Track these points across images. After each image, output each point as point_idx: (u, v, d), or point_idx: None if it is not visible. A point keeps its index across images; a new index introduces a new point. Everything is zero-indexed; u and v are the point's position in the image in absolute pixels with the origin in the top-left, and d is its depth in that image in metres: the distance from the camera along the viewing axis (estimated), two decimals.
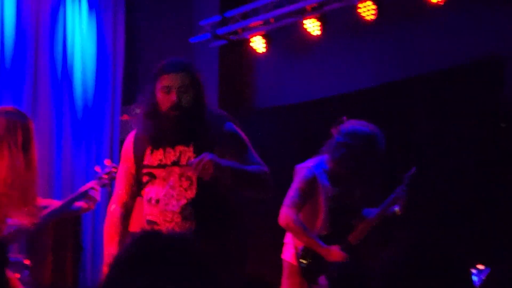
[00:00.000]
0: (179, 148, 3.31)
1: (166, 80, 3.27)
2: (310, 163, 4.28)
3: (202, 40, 7.16)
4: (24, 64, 6.78)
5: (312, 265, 4.16)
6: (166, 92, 3.27)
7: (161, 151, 3.33)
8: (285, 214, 4.15)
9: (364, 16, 5.96)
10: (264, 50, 6.94)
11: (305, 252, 4.17)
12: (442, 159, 5.16)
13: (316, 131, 6.12)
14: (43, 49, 6.93)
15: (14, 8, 6.83)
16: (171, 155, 3.31)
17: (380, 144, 4.16)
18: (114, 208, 3.44)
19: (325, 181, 4.21)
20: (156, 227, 3.26)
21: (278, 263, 4.42)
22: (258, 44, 6.94)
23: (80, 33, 7.16)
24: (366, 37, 6.17)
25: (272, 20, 6.72)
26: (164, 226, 3.26)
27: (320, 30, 6.41)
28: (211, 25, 7.07)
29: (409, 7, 5.82)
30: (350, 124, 4.23)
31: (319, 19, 6.37)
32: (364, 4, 5.91)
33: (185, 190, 3.28)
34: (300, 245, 4.19)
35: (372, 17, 5.93)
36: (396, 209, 4.30)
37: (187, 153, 3.29)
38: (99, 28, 7.25)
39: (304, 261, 4.18)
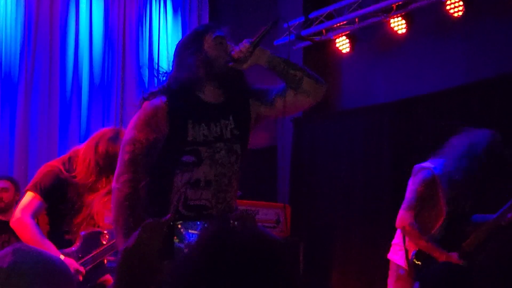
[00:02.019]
0: (221, 122, 3.00)
1: (216, 34, 3.01)
2: (430, 164, 4.12)
3: (286, 42, 7.16)
4: (113, 77, 6.96)
5: (424, 268, 4.07)
6: (219, 43, 2.99)
7: (203, 125, 2.97)
8: (402, 217, 4.06)
9: (451, 13, 5.82)
10: (348, 50, 6.88)
11: (419, 256, 4.08)
12: None
13: (405, 132, 6.05)
14: (129, 57, 7.09)
15: (102, 15, 7.03)
16: (215, 129, 2.99)
17: (502, 154, 4.01)
18: (131, 190, 2.88)
19: (445, 184, 4.10)
20: (206, 212, 2.95)
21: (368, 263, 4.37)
22: (343, 44, 6.88)
23: (165, 38, 7.29)
24: (453, 34, 6.02)
25: (356, 20, 6.65)
26: (216, 209, 2.96)
27: (406, 28, 6.30)
28: (295, 27, 7.06)
29: (498, 2, 5.65)
30: (473, 136, 4.06)
31: (404, 17, 6.27)
32: (451, 0, 5.77)
33: (233, 165, 3.02)
34: (413, 248, 4.10)
35: (460, 13, 5.78)
36: (509, 216, 4.08)
37: (228, 126, 3.03)
38: (184, 31, 7.37)
39: (417, 266, 4.08)
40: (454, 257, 3.99)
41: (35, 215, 3.88)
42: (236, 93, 3.06)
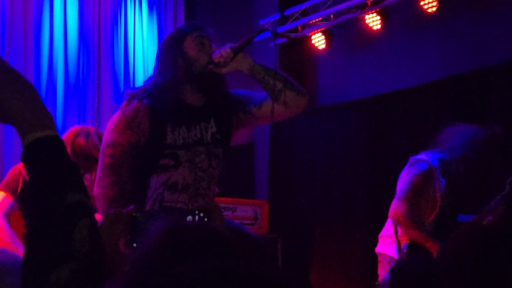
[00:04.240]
0: (202, 125, 2.98)
1: (198, 35, 2.99)
2: (425, 156, 4.12)
3: (261, 39, 7.15)
4: (88, 76, 6.94)
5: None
6: (201, 44, 2.97)
7: (184, 128, 2.94)
8: (396, 207, 4.06)
9: (425, 9, 5.86)
10: (324, 46, 6.90)
11: (410, 248, 4.09)
12: None
13: (382, 127, 6.08)
14: (104, 56, 7.07)
15: (76, 13, 6.99)
16: (194, 133, 2.96)
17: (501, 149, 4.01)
18: (115, 192, 2.83)
19: (440, 176, 4.09)
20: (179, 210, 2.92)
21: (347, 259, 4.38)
22: (319, 41, 6.90)
23: (140, 36, 7.27)
24: (428, 30, 6.06)
25: (331, 16, 6.67)
26: (190, 206, 2.94)
27: (381, 24, 6.33)
28: (271, 24, 7.06)
29: None
30: (470, 130, 4.05)
31: (379, 13, 6.30)
32: None
33: (214, 169, 3.00)
34: (405, 241, 4.12)
35: (434, 9, 5.82)
36: (490, 219, 4.08)
37: (209, 129, 3.00)
38: (159, 29, 7.35)
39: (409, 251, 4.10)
40: None
41: (6, 215, 3.86)
42: (217, 95, 3.03)
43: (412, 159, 4.14)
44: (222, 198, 5.44)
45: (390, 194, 4.28)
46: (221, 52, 2.90)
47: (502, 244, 1.68)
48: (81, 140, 3.84)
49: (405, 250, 4.08)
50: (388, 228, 4.27)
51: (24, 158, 1.17)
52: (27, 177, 3.85)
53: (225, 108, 3.05)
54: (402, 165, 4.35)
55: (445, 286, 1.69)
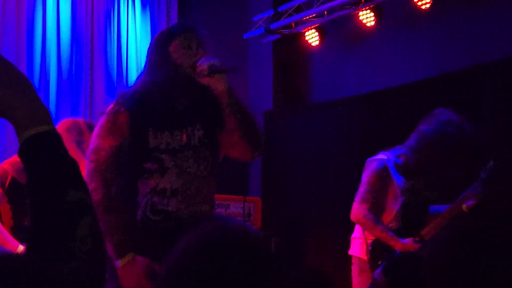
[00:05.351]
0: (188, 129, 2.95)
1: (185, 38, 2.94)
2: (383, 156, 4.17)
3: (255, 35, 7.16)
4: (81, 72, 6.91)
5: (382, 259, 4.11)
6: (187, 48, 2.93)
7: (167, 133, 2.92)
8: (355, 210, 4.10)
9: (419, 5, 5.87)
10: (318, 43, 6.90)
11: (375, 246, 4.12)
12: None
13: (375, 124, 6.09)
14: (98, 52, 7.04)
15: (69, 9, 6.96)
16: (180, 138, 2.93)
17: (470, 135, 3.96)
18: (101, 196, 2.80)
19: (396, 174, 4.12)
20: (174, 215, 2.91)
21: (340, 257, 4.39)
22: (312, 37, 6.90)
23: (133, 33, 7.25)
24: (421, 26, 6.07)
25: (325, 13, 6.67)
26: (186, 210, 2.92)
27: (375, 21, 6.33)
28: (265, 20, 7.06)
29: None
30: (440, 113, 4.04)
31: (373, 10, 6.30)
32: None
33: (203, 172, 2.96)
34: (370, 240, 4.14)
35: (428, 5, 5.83)
36: (465, 206, 4.11)
37: (195, 133, 2.97)
38: (152, 25, 7.33)
39: (374, 255, 4.12)
40: (408, 243, 4.03)
41: None
42: (204, 98, 2.98)
43: (368, 160, 4.20)
44: (216, 195, 5.42)
45: None
46: (203, 64, 2.87)
47: (488, 241, 1.68)
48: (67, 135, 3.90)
49: (370, 248, 4.11)
50: (357, 230, 4.31)
51: (22, 155, 1.15)
52: (15, 173, 3.87)
53: (213, 109, 3.00)
54: None
55: (433, 282, 1.69)
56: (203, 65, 2.86)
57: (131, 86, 3.05)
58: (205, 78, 2.87)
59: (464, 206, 4.07)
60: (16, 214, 3.95)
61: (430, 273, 1.69)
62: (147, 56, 3.06)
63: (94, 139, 2.93)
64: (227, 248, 1.29)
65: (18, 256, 1.37)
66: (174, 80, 2.92)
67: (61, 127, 4.01)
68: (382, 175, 4.09)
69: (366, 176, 4.14)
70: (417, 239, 4.04)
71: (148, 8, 7.41)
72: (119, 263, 2.77)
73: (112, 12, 7.23)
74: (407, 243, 4.03)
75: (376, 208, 4.13)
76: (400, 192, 4.11)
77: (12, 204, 3.93)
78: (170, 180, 2.90)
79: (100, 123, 2.95)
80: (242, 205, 6.32)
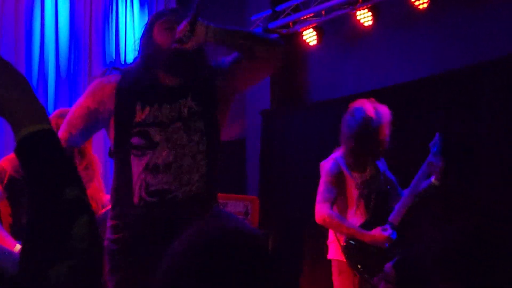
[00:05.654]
0: (179, 102, 2.90)
1: (168, 19, 2.95)
2: (332, 155, 4.31)
3: None
4: (79, 70, 6.92)
5: (357, 252, 4.14)
6: (168, 29, 2.91)
7: (156, 107, 2.87)
8: (319, 210, 4.17)
9: (416, 5, 5.88)
10: (316, 42, 6.91)
11: (348, 244, 4.15)
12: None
13: None
14: (96, 51, 7.05)
15: (68, 7, 6.96)
16: (169, 110, 2.89)
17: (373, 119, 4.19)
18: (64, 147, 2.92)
19: (349, 170, 4.23)
20: (169, 196, 2.83)
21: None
22: (310, 37, 6.91)
23: (132, 31, 7.25)
24: (419, 26, 6.08)
25: (323, 12, 6.68)
26: (181, 191, 2.83)
27: (372, 20, 6.34)
28: (263, 20, 7.06)
29: None
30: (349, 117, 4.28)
31: (370, 10, 6.31)
32: None
33: (197, 144, 2.89)
34: (343, 240, 4.18)
35: (425, 5, 5.84)
36: (433, 180, 4.21)
37: (186, 105, 2.91)
38: None
39: (349, 253, 4.16)
40: (377, 233, 4.08)
41: None
42: (194, 73, 2.95)
43: (321, 164, 4.33)
44: None
45: None
46: (181, 28, 2.83)
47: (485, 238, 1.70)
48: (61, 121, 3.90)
49: (344, 248, 4.14)
50: (331, 234, 4.34)
51: (18, 153, 1.15)
52: (13, 171, 3.88)
53: (205, 81, 2.97)
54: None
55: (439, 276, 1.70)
56: (182, 26, 2.82)
57: (122, 66, 3.12)
58: (191, 41, 2.82)
59: (433, 181, 4.19)
60: (15, 212, 3.96)
61: (437, 269, 1.71)
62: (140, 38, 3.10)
63: (79, 98, 3.04)
64: (226, 248, 1.28)
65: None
66: (158, 61, 2.92)
67: (54, 116, 4.02)
68: (337, 173, 4.21)
69: (322, 177, 4.25)
70: (386, 227, 4.10)
71: (146, 7, 7.41)
72: None
73: (110, 11, 7.24)
74: (375, 234, 4.09)
75: (339, 207, 4.21)
76: (357, 186, 4.20)
77: (10, 201, 3.94)
78: (161, 155, 2.83)
79: (88, 87, 3.04)
80: (239, 204, 6.33)
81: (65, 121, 2.98)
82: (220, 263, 1.26)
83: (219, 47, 2.95)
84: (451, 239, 1.73)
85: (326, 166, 4.26)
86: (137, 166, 2.85)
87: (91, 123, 2.95)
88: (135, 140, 2.85)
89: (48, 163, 1.14)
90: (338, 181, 4.20)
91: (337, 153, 4.30)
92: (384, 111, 4.29)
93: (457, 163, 5.08)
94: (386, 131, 4.24)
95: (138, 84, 2.90)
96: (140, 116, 2.85)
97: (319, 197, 4.19)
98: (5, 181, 3.93)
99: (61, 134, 2.93)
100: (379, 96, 6.13)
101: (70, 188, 1.13)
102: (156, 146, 2.84)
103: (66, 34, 7.03)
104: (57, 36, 6.99)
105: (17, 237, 3.84)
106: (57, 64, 6.99)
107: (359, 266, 4.11)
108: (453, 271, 1.68)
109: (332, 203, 4.17)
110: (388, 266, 2.27)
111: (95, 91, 2.94)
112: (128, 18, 7.34)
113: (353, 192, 4.21)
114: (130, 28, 7.35)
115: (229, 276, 1.25)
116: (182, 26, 2.82)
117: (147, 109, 2.86)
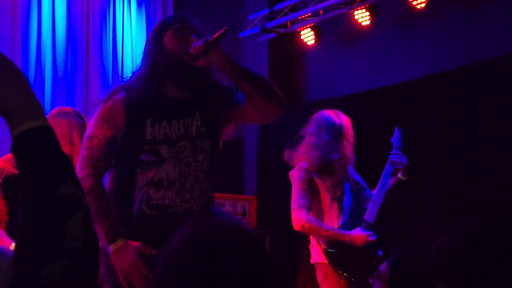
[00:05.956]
0: (186, 119, 2.90)
1: (181, 27, 2.89)
2: (300, 164, 4.34)
3: (251, 34, 7.15)
4: (76, 69, 6.91)
5: (340, 256, 4.15)
6: (180, 37, 2.86)
7: (165, 123, 2.87)
8: (296, 218, 4.19)
9: (414, 5, 5.87)
10: (313, 42, 6.91)
11: (330, 247, 4.16)
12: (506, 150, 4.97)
13: (371, 123, 6.09)
14: (93, 50, 7.04)
15: (65, 6, 6.95)
16: (178, 127, 2.89)
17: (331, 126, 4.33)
18: (92, 183, 2.80)
19: (317, 175, 4.27)
20: (169, 210, 2.87)
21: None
22: (308, 36, 6.90)
23: (129, 31, 7.24)
24: (417, 25, 6.07)
25: (321, 12, 6.67)
26: (181, 208, 2.88)
27: (370, 20, 6.34)
28: (260, 19, 7.06)
29: None
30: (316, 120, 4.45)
31: (368, 9, 6.30)
32: None
33: (201, 164, 2.92)
34: (324, 245, 4.20)
35: (423, 5, 5.83)
36: (399, 176, 4.24)
37: (194, 123, 2.92)
38: (148, 24, 7.33)
39: (332, 256, 4.17)
40: (357, 233, 4.11)
41: None
42: (202, 88, 2.94)
43: (290, 173, 4.37)
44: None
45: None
46: (197, 45, 2.79)
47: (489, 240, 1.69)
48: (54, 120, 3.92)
49: (326, 252, 4.15)
50: (312, 239, 4.35)
51: (15, 149, 1.14)
52: (11, 170, 3.88)
53: (211, 100, 2.96)
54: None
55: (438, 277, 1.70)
56: (197, 44, 2.79)
57: (127, 79, 3.02)
58: (202, 60, 2.80)
59: (400, 177, 4.25)
60: (11, 210, 3.96)
61: (435, 269, 1.70)
62: (144, 48, 3.03)
63: (89, 128, 2.94)
64: (222, 245, 1.28)
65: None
66: (169, 70, 2.89)
67: (51, 115, 4.03)
68: (307, 180, 4.24)
69: (294, 185, 4.27)
70: (363, 226, 4.13)
71: (143, 7, 7.41)
72: (110, 248, 2.75)
73: (107, 10, 7.23)
74: (354, 234, 4.10)
75: (314, 213, 4.23)
76: (328, 189, 4.24)
77: (7, 200, 3.94)
78: (166, 171, 2.86)
79: (96, 113, 2.94)
80: (237, 204, 6.32)
81: (84, 156, 2.87)
82: (216, 261, 1.25)
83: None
84: (451, 239, 1.73)
85: (296, 174, 4.29)
86: (141, 179, 2.87)
87: (111, 149, 2.89)
88: (144, 157, 2.86)
89: (43, 159, 1.13)
90: (310, 186, 4.24)
91: (303, 162, 4.32)
92: (346, 120, 4.41)
93: (455, 163, 5.09)
94: (350, 139, 4.32)
95: (145, 98, 2.86)
96: (150, 133, 2.85)
97: (294, 205, 4.21)
98: (2, 180, 3.93)
99: (87, 171, 2.83)
100: (377, 95, 6.15)
101: (65, 184, 1.11)
102: (163, 162, 2.86)
103: (63, 32, 7.01)
104: (54, 35, 6.98)
105: (13, 235, 3.84)
106: (54, 63, 6.98)
107: (342, 272, 4.13)
108: (453, 271, 1.67)
109: (308, 209, 4.18)
110: (383, 265, 2.27)
111: (107, 118, 2.87)
112: (125, 17, 7.33)
113: (325, 196, 4.24)
114: (127, 27, 7.34)
115: (225, 274, 1.24)
116: (200, 44, 2.79)
117: (157, 125, 2.86)
